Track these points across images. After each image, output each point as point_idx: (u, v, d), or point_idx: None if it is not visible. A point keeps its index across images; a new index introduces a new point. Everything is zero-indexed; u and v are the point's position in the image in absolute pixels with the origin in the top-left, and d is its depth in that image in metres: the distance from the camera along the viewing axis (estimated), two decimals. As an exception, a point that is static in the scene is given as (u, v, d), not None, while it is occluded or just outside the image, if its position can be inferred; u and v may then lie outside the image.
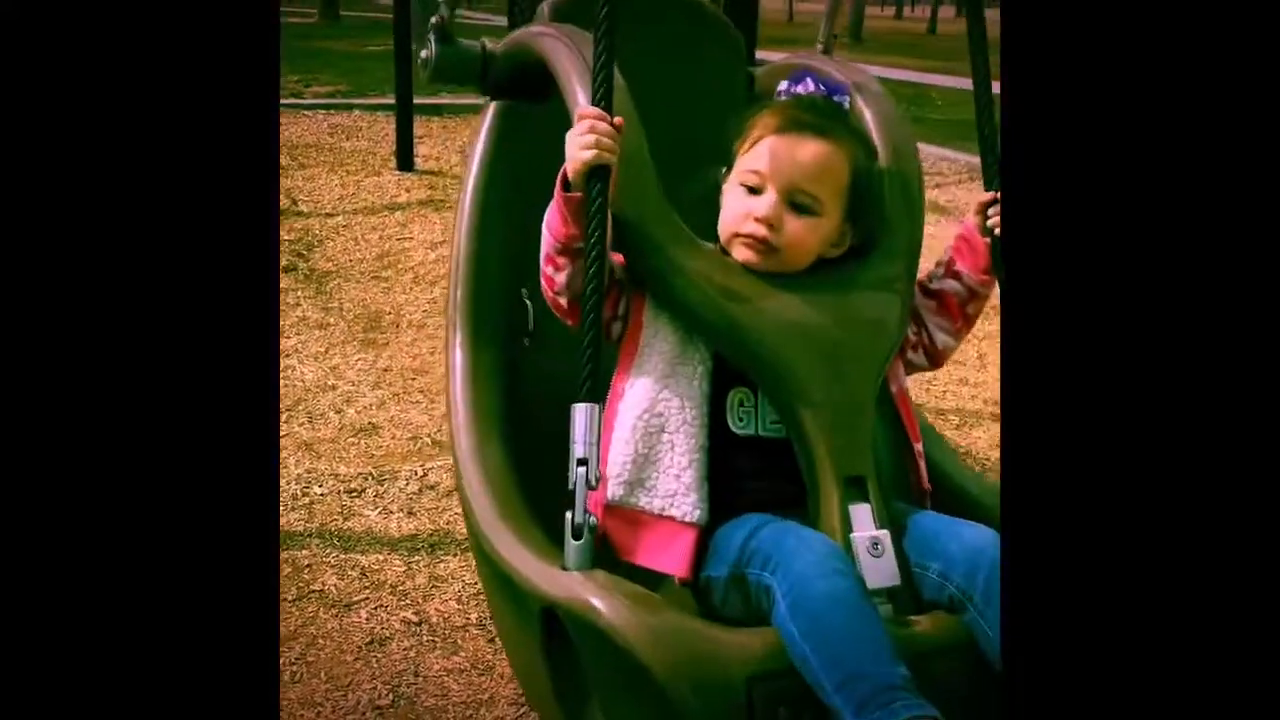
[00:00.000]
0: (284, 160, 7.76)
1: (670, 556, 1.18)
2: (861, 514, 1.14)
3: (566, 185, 1.20)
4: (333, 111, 9.68)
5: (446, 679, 2.49)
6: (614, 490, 1.20)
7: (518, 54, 1.53)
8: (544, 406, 1.20)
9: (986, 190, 1.40)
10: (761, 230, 1.28)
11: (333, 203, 6.89)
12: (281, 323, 4.88)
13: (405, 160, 7.72)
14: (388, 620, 2.70)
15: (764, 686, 1.01)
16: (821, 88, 1.39)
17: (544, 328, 1.31)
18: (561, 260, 1.18)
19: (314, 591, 2.80)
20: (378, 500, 3.32)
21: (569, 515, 1.11)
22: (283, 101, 9.68)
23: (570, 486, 1.10)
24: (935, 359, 1.39)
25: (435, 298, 5.33)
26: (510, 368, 1.42)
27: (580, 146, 1.17)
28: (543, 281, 1.23)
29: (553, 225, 1.20)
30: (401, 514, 3.24)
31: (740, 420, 1.24)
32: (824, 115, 1.35)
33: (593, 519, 1.14)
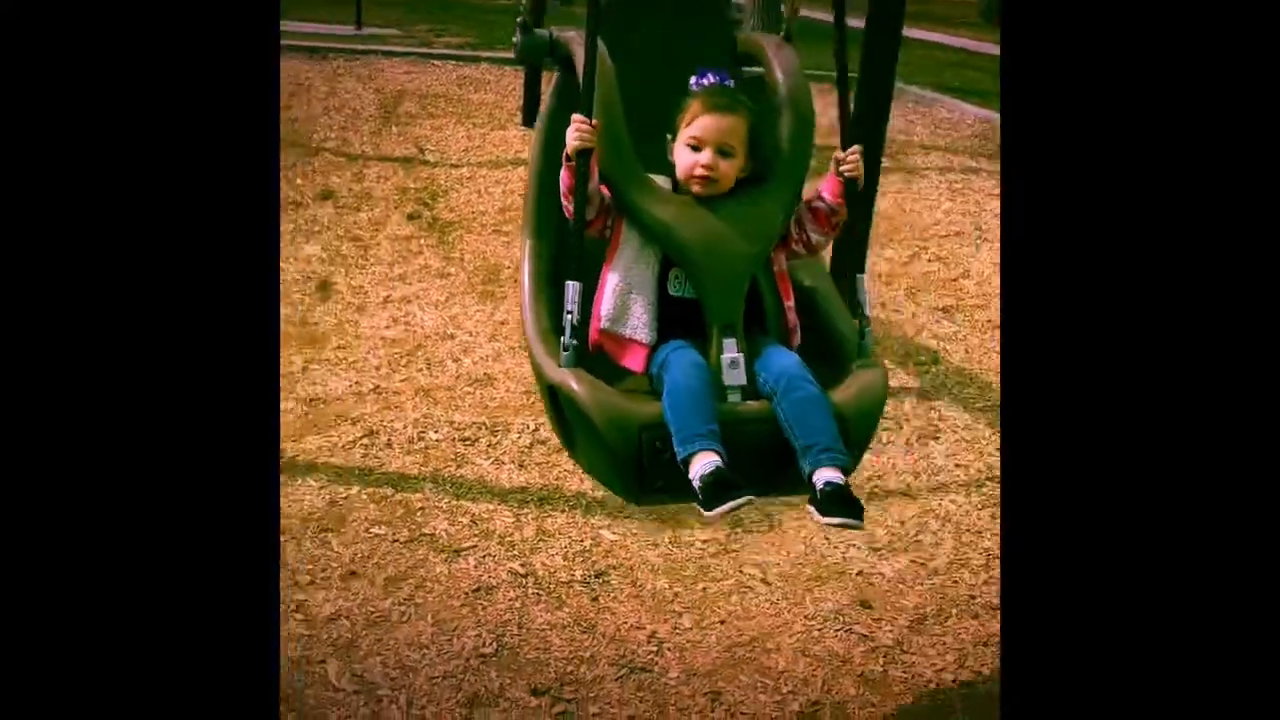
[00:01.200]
0: (413, 109, 7.87)
1: (635, 361, 1.95)
2: (730, 345, 1.88)
3: (569, 158, 1.91)
4: (461, 64, 9.77)
5: (549, 633, 2.50)
6: (605, 324, 1.97)
7: (567, 45, 2.22)
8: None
9: (842, 148, 2.02)
10: (706, 172, 1.99)
11: (458, 154, 6.96)
12: (404, 269, 4.96)
13: (530, 116, 7.75)
14: (495, 569, 2.73)
15: (648, 432, 1.78)
16: (715, 78, 2.06)
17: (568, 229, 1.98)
18: (569, 197, 1.93)
19: (425, 535, 2.85)
20: (490, 450, 3.35)
21: (563, 339, 1.87)
22: (412, 50, 9.82)
23: (563, 324, 1.88)
24: (811, 249, 2.08)
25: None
26: (556, 252, 2.13)
27: (571, 138, 1.89)
28: (562, 205, 1.97)
29: (563, 179, 1.94)
30: (513, 465, 3.27)
31: (675, 288, 1.99)
32: (727, 96, 2.03)
33: (574, 342, 1.87)
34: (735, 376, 1.84)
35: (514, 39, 2.32)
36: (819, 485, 1.72)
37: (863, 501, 1.74)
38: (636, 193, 1.96)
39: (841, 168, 1.98)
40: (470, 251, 5.32)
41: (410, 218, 5.70)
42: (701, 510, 1.70)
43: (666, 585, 2.74)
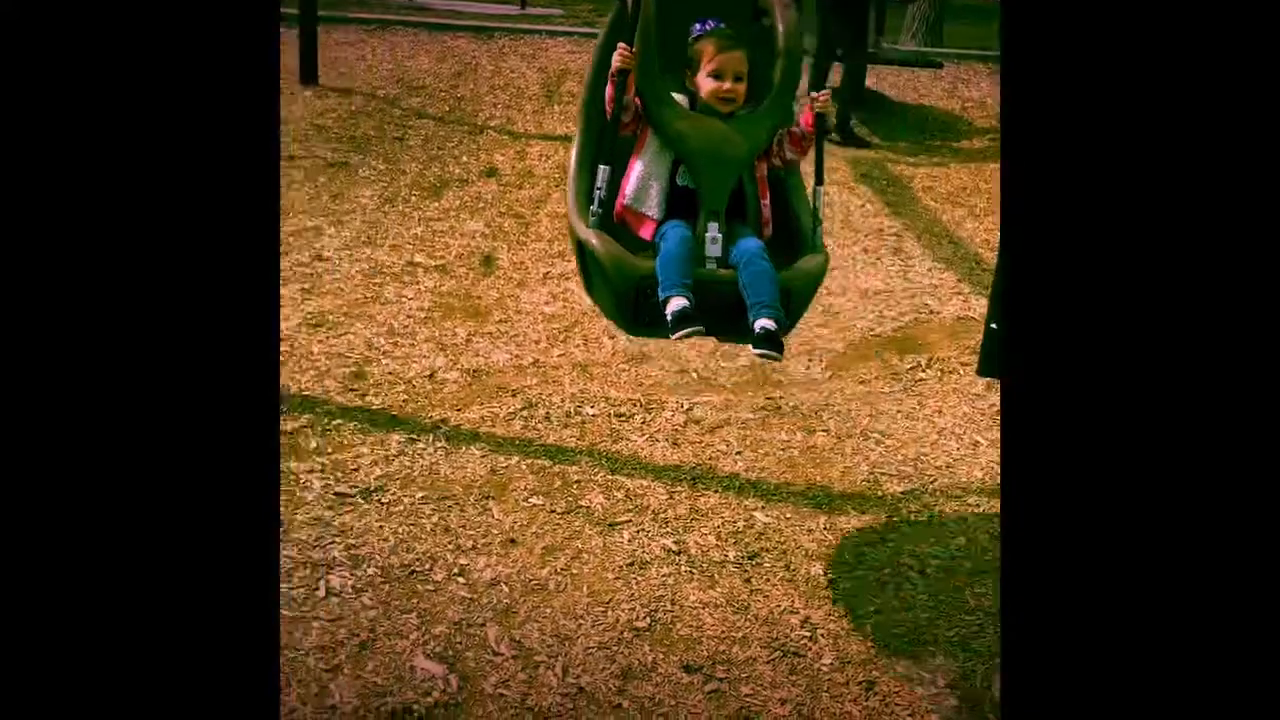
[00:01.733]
0: (575, 88, 7.94)
1: (647, 231, 2.50)
2: (713, 227, 2.43)
3: (613, 75, 2.46)
4: (623, 43, 9.82)
5: (702, 611, 2.51)
6: (628, 201, 2.54)
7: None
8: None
9: (816, 90, 2.60)
10: (729, 93, 2.54)
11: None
12: (564, 246, 5.04)
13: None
14: (649, 545, 2.75)
15: (643, 281, 2.35)
16: (712, 24, 2.62)
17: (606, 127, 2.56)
18: (610, 104, 2.47)
19: (581, 507, 2.89)
20: (644, 427, 3.38)
21: (591, 207, 2.46)
22: (575, 30, 9.93)
23: (593, 197, 2.46)
24: (786, 164, 2.65)
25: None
26: (599, 141, 2.59)
27: (615, 60, 2.44)
28: (605, 109, 2.52)
29: (607, 90, 2.48)
30: (666, 444, 3.29)
31: (681, 179, 2.53)
32: (731, 36, 2.58)
33: (599, 210, 2.46)
34: (714, 250, 2.43)
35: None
36: (756, 329, 2.31)
37: (786, 348, 2.36)
38: (660, 106, 2.53)
39: (815, 104, 2.55)
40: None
41: (570, 195, 5.79)
42: (670, 335, 2.29)
43: (820, 571, 2.70)
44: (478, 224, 5.22)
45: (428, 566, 2.58)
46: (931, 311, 4.58)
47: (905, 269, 5.10)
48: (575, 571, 2.62)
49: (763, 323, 2.31)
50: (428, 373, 3.64)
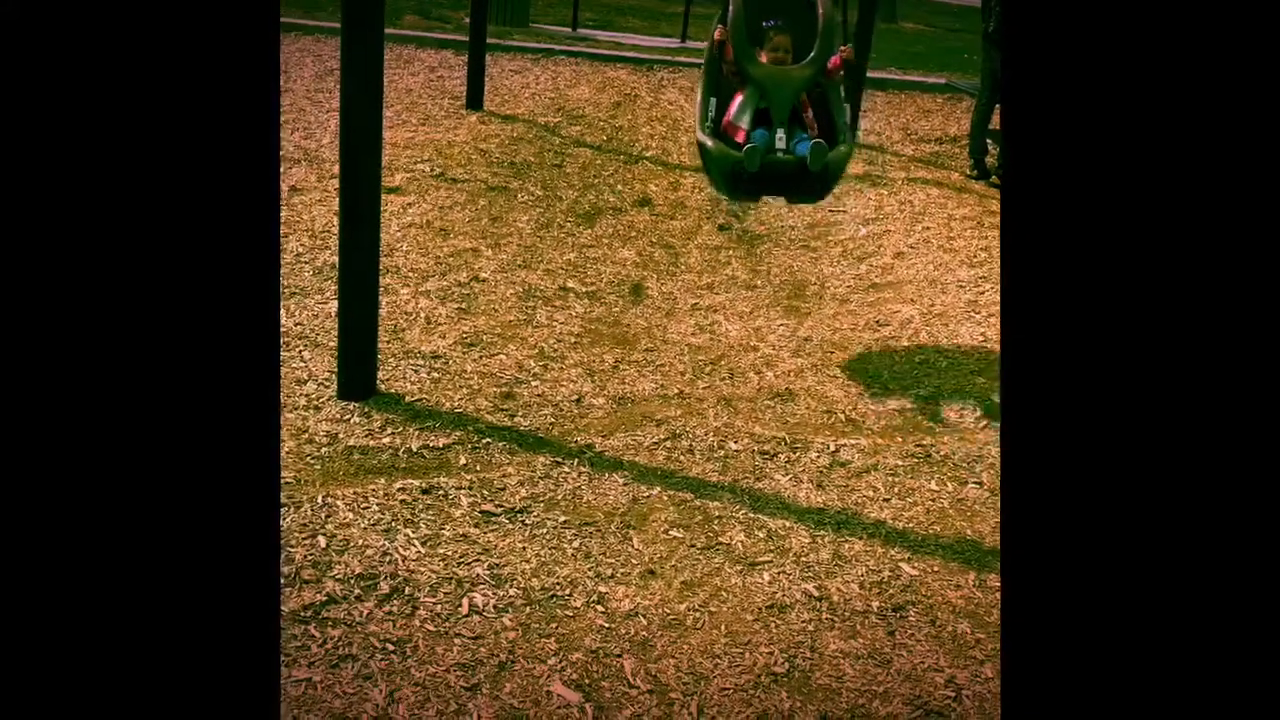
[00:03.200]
0: (731, 121, 8.00)
1: (741, 136, 3.91)
2: (780, 132, 3.90)
3: (719, 41, 4.05)
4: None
5: (843, 661, 2.44)
6: (731, 118, 3.98)
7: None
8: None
9: (845, 42, 4.27)
10: (782, 59, 4.14)
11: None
12: (713, 278, 5.04)
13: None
14: (789, 588, 2.70)
15: (737, 165, 3.80)
16: (774, 21, 4.19)
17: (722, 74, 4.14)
18: (725, 61, 4.07)
19: (721, 543, 2.87)
20: (789, 466, 3.33)
21: (706, 123, 4.07)
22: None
23: (708, 116, 4.07)
24: (829, 80, 4.13)
25: (862, 274, 5.26)
26: (714, 83, 4.16)
27: (716, 34, 4.06)
28: (724, 65, 4.10)
29: (725, 51, 4.04)
30: (811, 485, 3.23)
31: (760, 104, 3.97)
32: (783, 30, 4.17)
33: (711, 124, 4.03)
34: (781, 144, 3.89)
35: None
36: (806, 154, 3.81)
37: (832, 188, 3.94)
38: (747, 62, 4.02)
39: (842, 53, 4.05)
40: (777, 265, 5.32)
41: (721, 228, 5.79)
42: (742, 165, 3.80)
43: (968, 630, 2.60)
44: (629, 252, 5.28)
45: (568, 592, 2.60)
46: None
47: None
48: (714, 610, 2.59)
49: (805, 149, 3.81)
50: (575, 397, 3.68)
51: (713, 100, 4.02)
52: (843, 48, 4.06)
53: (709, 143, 3.88)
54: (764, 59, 4.10)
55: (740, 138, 3.88)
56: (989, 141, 7.16)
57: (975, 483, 3.32)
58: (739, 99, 3.99)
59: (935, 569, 2.84)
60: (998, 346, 4.49)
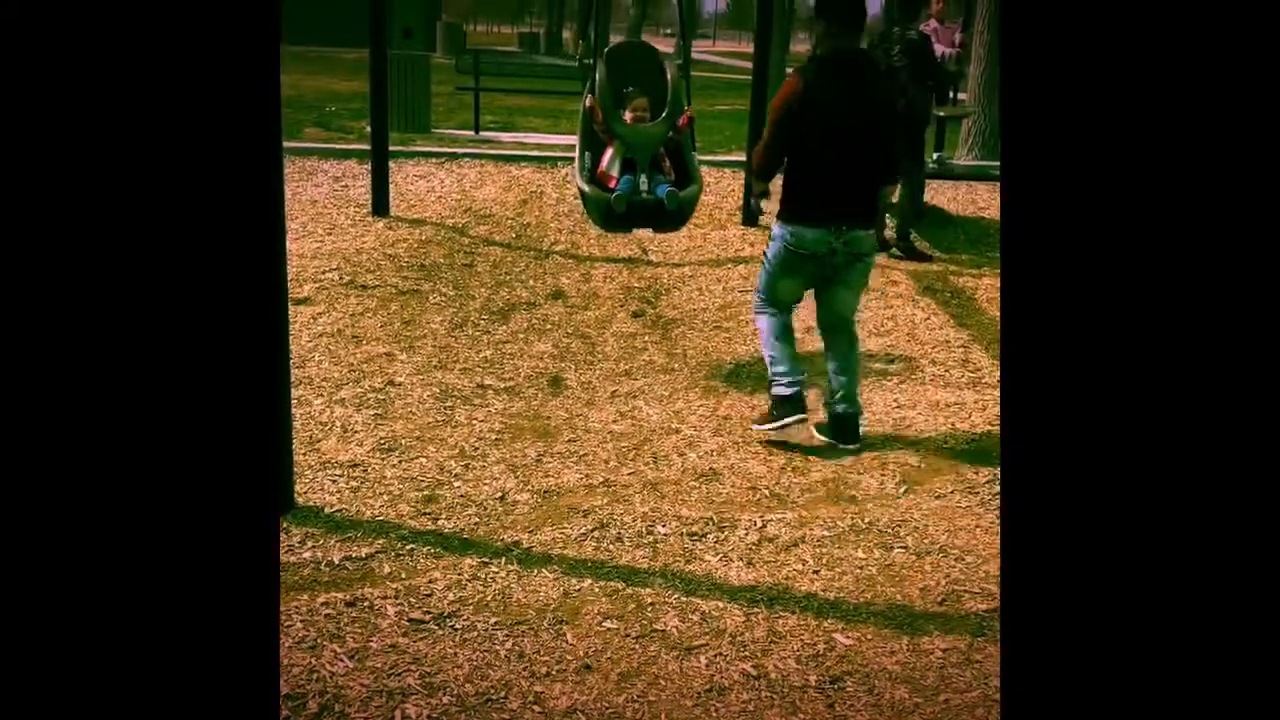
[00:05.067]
0: (636, 211, 8.15)
1: (613, 183, 4.88)
2: (644, 177, 4.98)
3: (589, 110, 4.95)
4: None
5: (785, 740, 2.42)
6: (604, 168, 4.95)
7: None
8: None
9: (686, 104, 5.25)
10: (640, 118, 5.03)
11: (680, 253, 7.13)
12: (630, 365, 5.08)
13: (750, 215, 7.88)
14: (727, 669, 2.68)
15: (611, 203, 4.75)
16: (631, 88, 5.20)
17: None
18: (591, 119, 5.00)
19: (656, 631, 2.84)
20: (718, 546, 3.33)
21: (584, 173, 4.98)
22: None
23: (585, 167, 4.99)
24: (678, 135, 5.13)
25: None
26: (588, 140, 5.08)
27: (587, 101, 4.96)
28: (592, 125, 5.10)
29: (591, 112, 4.99)
30: (741, 563, 3.23)
31: (628, 155, 4.92)
32: (639, 93, 5.17)
33: (588, 172, 4.92)
34: (644, 186, 4.69)
35: (579, 58, 5.68)
36: (658, 197, 4.67)
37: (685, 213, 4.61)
38: (613, 121, 4.82)
39: (688, 112, 4.97)
40: (693, 348, 5.39)
41: (635, 315, 5.86)
42: (612, 206, 4.61)
43: (906, 695, 2.60)
44: (545, 345, 5.30)
45: (503, 694, 2.54)
46: (1005, 423, 4.50)
47: (974, 380, 5.05)
48: (653, 699, 2.55)
49: (663, 193, 4.68)
50: (499, 494, 3.65)
51: (588, 154, 4.88)
52: (688, 109, 5.05)
53: (586, 188, 4.74)
54: (628, 117, 4.90)
55: (612, 184, 4.72)
56: (886, 215, 7.42)
57: (901, 547, 3.36)
58: (609, 152, 4.83)
59: (869, 637, 2.85)
60: (911, 413, 4.59)
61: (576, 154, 4.97)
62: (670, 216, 4.68)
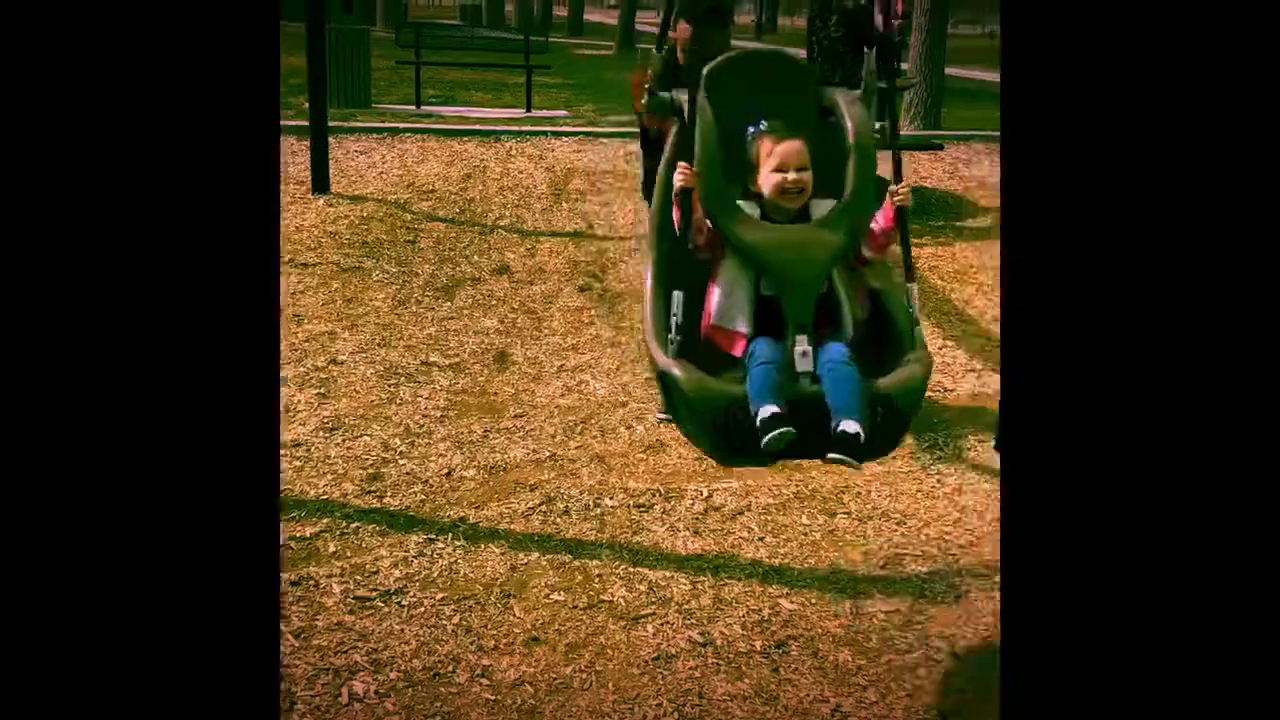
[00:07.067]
0: (582, 185, 8.12)
1: (738, 348, 2.41)
2: (801, 340, 2.33)
3: (675, 196, 2.47)
4: (628, 140, 10.05)
5: (731, 704, 2.46)
6: (715, 320, 2.45)
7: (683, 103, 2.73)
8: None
9: (895, 181, 2.53)
10: (796, 185, 2.48)
11: (626, 227, 7.12)
12: (577, 339, 5.08)
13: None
14: (674, 638, 2.71)
15: (732, 406, 2.25)
16: (764, 123, 2.55)
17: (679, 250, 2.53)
18: (679, 226, 2.46)
19: (604, 601, 2.86)
20: (665, 517, 3.36)
21: (670, 335, 2.35)
22: (580, 130, 10.15)
23: (670, 324, 2.37)
24: (865, 264, 2.57)
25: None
26: (672, 265, 2.55)
27: (676, 181, 2.45)
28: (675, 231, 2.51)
29: (674, 212, 2.47)
30: (688, 532, 3.26)
31: (765, 288, 2.43)
32: (786, 127, 2.52)
33: (679, 338, 2.36)
34: (804, 364, 2.31)
35: (643, 100, 3.16)
36: (835, 430, 2.20)
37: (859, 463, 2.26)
38: (731, 221, 2.45)
39: (895, 198, 2.49)
40: (640, 320, 5.40)
41: (581, 289, 5.85)
42: (761, 445, 2.18)
43: (849, 657, 2.65)
44: (491, 321, 5.28)
45: (451, 669, 2.55)
46: (945, 390, 4.57)
47: (917, 347, 5.12)
48: (600, 669, 2.58)
49: (843, 426, 2.19)
50: (445, 471, 3.64)
51: (677, 295, 2.36)
52: (899, 187, 2.49)
53: (675, 371, 2.29)
54: (767, 187, 2.47)
55: (737, 349, 2.40)
56: None
57: (844, 513, 3.41)
58: (721, 282, 2.46)
59: (813, 601, 2.90)
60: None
61: (648, 289, 2.59)
62: (856, 445, 2.20)
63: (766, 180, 2.48)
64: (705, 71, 2.70)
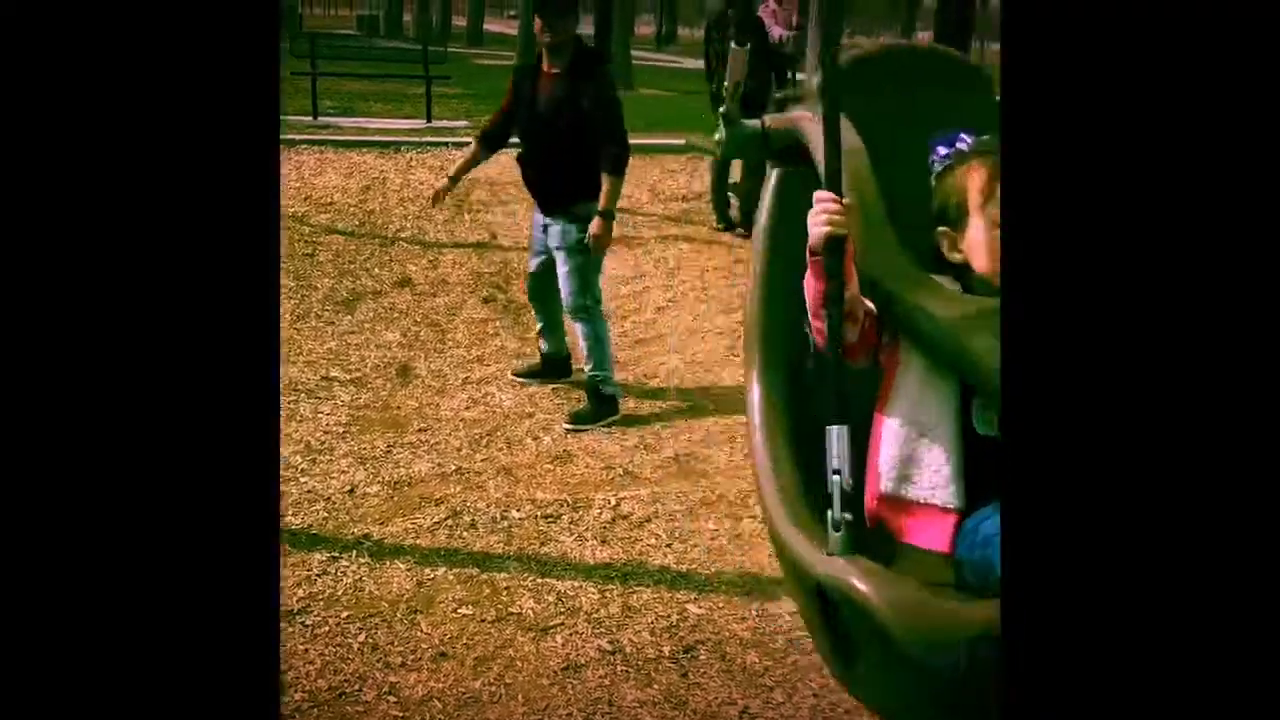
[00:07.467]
0: (485, 196, 8.07)
1: (935, 535, 1.42)
2: None
3: (815, 252, 1.43)
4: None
5: (640, 711, 2.47)
6: (886, 485, 1.46)
7: (790, 132, 1.81)
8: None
9: None
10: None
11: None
12: (481, 351, 5.05)
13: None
14: (583, 647, 2.71)
15: (985, 647, 1.17)
16: (968, 136, 1.62)
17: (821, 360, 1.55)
18: (819, 312, 1.42)
19: (512, 614, 2.85)
20: (573, 527, 3.36)
21: (829, 513, 1.34)
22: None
23: (828, 491, 1.34)
24: None
25: (626, 331, 5.40)
26: (798, 390, 1.63)
27: (816, 224, 1.41)
28: (812, 333, 1.47)
29: (809, 285, 1.45)
30: (595, 542, 3.27)
31: (983, 425, 1.46)
32: (987, 151, 1.61)
33: (849, 516, 1.34)
34: None
35: (716, 136, 1.95)
36: None
37: None
38: (916, 295, 1.43)
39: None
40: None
41: (485, 301, 5.82)
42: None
43: (756, 659, 2.69)
44: (393, 334, 5.21)
45: (357, 687, 2.51)
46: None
47: (818, 352, 5.22)
48: (509, 681, 2.56)
49: None
50: (348, 488, 3.58)
51: (835, 432, 1.39)
52: None
53: (862, 586, 1.34)
54: (988, 244, 1.56)
55: (934, 535, 1.48)
56: (730, 195, 7.56)
57: (750, 517, 3.46)
58: (895, 414, 1.53)
59: (720, 605, 2.93)
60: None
61: (758, 435, 1.69)
62: None
63: (974, 238, 1.53)
64: (850, 62, 1.82)
